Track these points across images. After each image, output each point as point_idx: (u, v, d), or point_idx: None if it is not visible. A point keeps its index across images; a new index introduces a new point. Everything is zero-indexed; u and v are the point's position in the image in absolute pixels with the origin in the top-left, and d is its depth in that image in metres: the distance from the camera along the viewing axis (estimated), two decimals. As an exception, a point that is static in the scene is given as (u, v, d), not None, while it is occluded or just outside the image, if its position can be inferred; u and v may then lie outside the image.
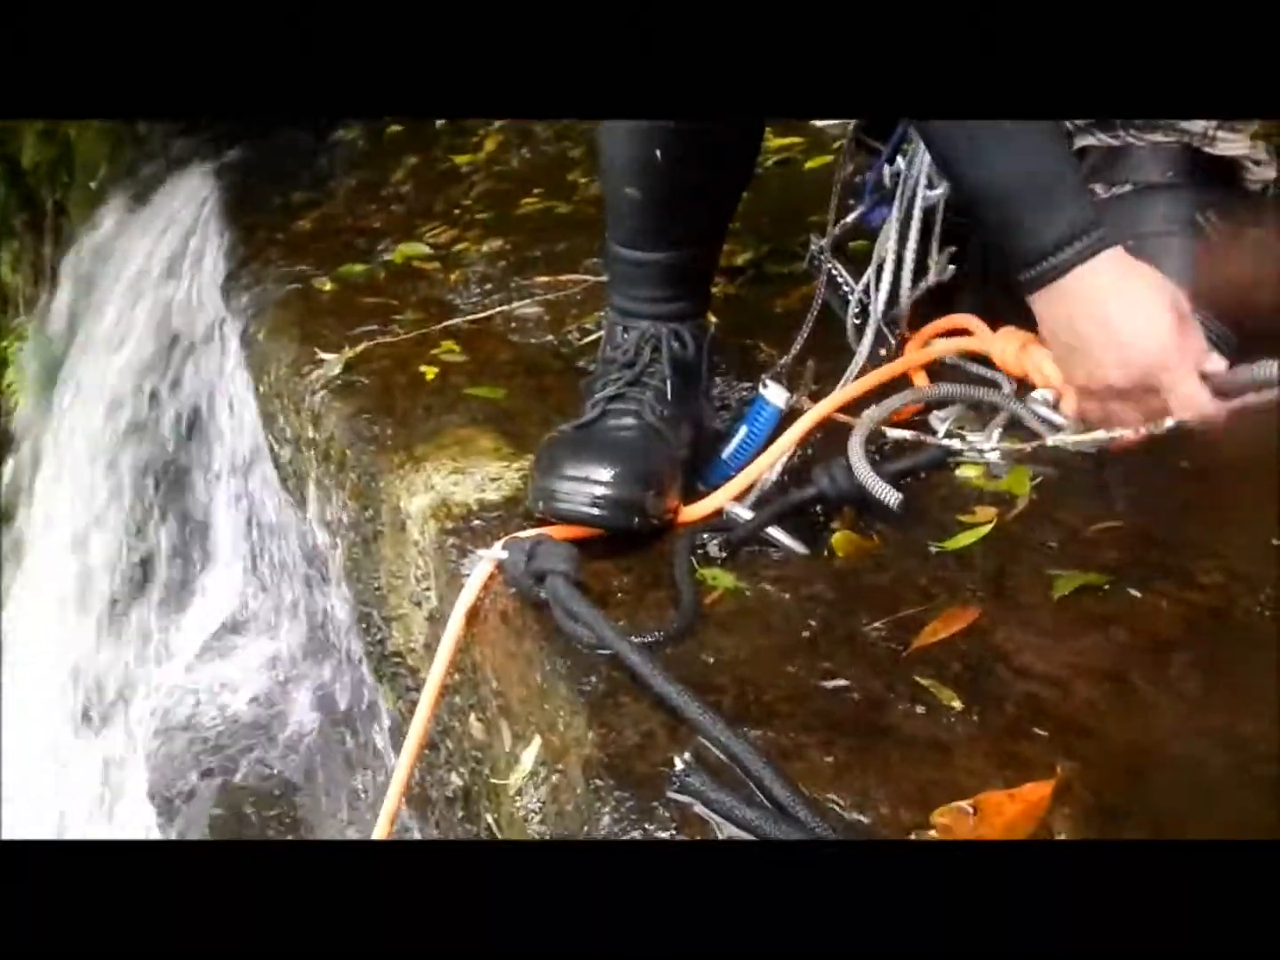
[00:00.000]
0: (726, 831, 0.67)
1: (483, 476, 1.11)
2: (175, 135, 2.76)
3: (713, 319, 1.14)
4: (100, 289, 2.48)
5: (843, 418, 1.08)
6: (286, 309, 1.66)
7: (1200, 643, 0.79)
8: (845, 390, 1.11)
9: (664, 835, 0.68)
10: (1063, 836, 0.65)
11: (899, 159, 1.18)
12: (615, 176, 1.04)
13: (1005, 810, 0.66)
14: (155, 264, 2.31)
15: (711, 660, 0.82)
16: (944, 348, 1.19)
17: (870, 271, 1.20)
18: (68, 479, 2.24)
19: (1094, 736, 0.72)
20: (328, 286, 1.71)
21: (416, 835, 1.23)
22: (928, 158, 1.15)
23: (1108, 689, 0.76)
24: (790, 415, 1.08)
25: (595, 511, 0.93)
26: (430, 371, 1.35)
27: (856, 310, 1.22)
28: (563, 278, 1.59)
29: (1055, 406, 1.01)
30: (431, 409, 1.26)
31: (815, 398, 1.11)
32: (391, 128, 2.55)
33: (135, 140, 2.87)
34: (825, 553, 0.94)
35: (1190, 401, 0.89)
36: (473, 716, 1.02)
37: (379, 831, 0.93)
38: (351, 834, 1.50)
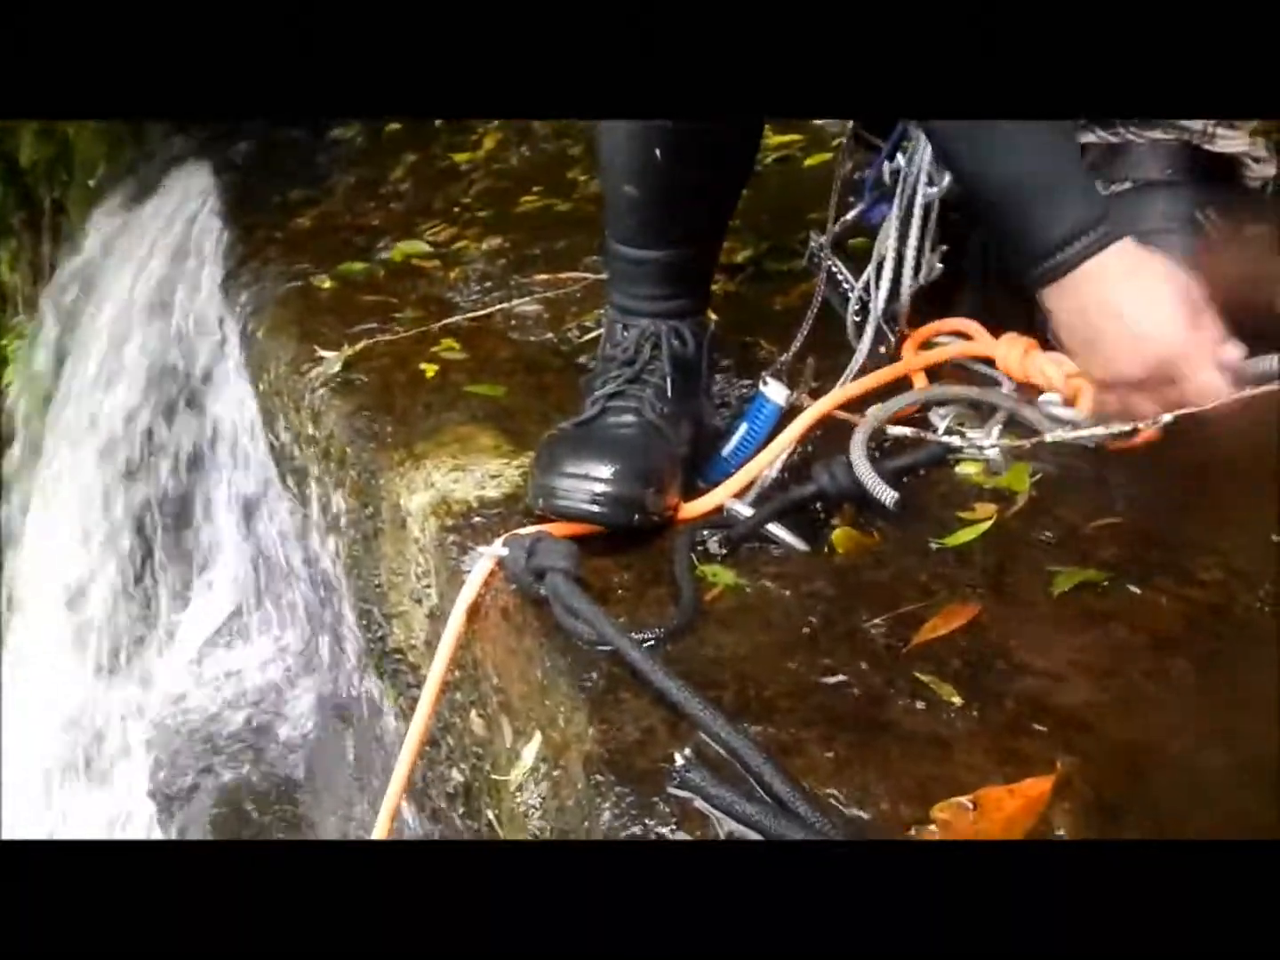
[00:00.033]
0: (727, 827, 0.67)
1: (483, 474, 1.11)
2: (173, 133, 2.76)
3: (713, 316, 1.14)
4: (97, 291, 2.48)
5: (843, 415, 1.08)
6: (286, 307, 1.67)
7: (1200, 639, 0.79)
8: (846, 388, 1.11)
9: (664, 830, 0.68)
10: (1062, 832, 0.65)
11: (899, 156, 1.18)
12: (614, 175, 1.04)
13: (1005, 805, 0.67)
14: (154, 263, 2.31)
15: (712, 656, 0.82)
16: (947, 351, 1.19)
17: (870, 269, 1.20)
18: (68, 471, 2.24)
19: (1094, 732, 0.72)
20: (327, 284, 1.71)
21: (418, 832, 1.23)
22: (927, 155, 1.15)
23: (1107, 685, 0.76)
24: (790, 413, 1.08)
25: (595, 509, 0.93)
26: (430, 369, 1.35)
27: (856, 308, 1.22)
28: (562, 275, 1.59)
29: (1067, 407, 1.02)
30: (431, 406, 1.26)
31: (815, 395, 1.11)
32: (390, 126, 2.55)
33: (134, 139, 2.87)
34: (825, 549, 0.94)
35: (1207, 391, 0.88)
36: (474, 713, 1.02)
37: (380, 828, 0.93)
38: (353, 830, 1.50)
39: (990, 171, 0.93)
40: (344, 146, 2.55)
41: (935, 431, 1.04)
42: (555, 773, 0.82)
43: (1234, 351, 0.90)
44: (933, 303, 1.22)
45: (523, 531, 0.93)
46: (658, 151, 0.99)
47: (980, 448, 1.01)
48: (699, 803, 0.69)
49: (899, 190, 1.18)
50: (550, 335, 1.42)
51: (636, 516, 0.94)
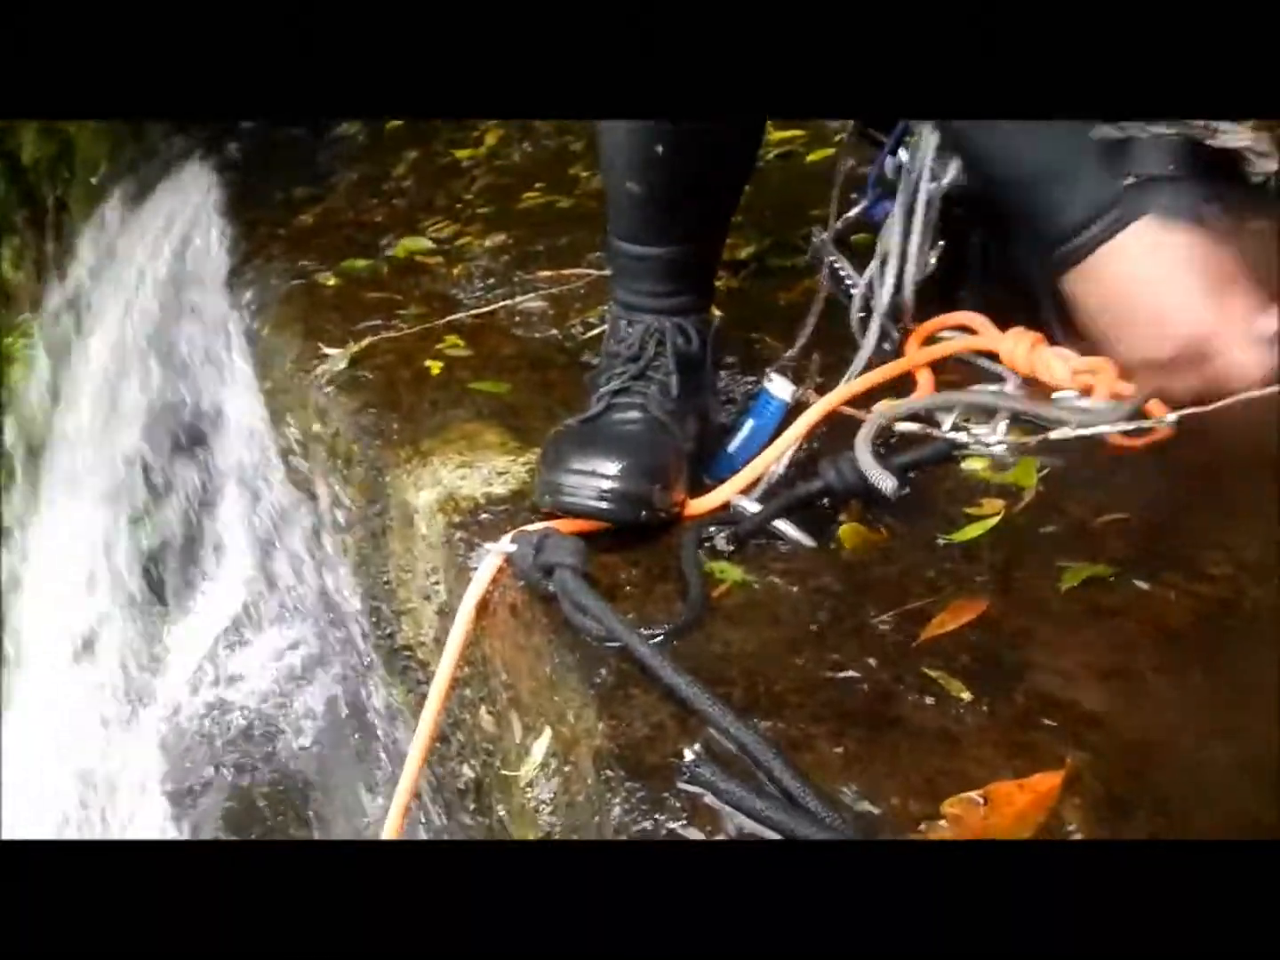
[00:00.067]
0: (736, 822, 0.68)
1: (489, 470, 1.11)
2: (175, 132, 2.76)
3: (717, 312, 1.14)
4: (102, 286, 2.48)
5: (848, 411, 1.08)
6: (290, 304, 1.67)
7: (1209, 634, 0.79)
8: (851, 384, 1.11)
9: (675, 826, 0.68)
10: (1073, 826, 0.65)
11: (901, 151, 1.18)
12: (616, 172, 1.04)
13: (1015, 800, 0.67)
14: (157, 261, 2.31)
15: (720, 652, 0.82)
16: (952, 346, 1.19)
17: (874, 265, 1.20)
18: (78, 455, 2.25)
19: (1103, 727, 0.72)
20: (331, 282, 1.71)
21: (431, 827, 1.23)
22: (931, 150, 1.15)
23: (1116, 680, 0.76)
24: (796, 408, 1.08)
25: (602, 505, 0.94)
26: (435, 366, 1.35)
27: (860, 304, 1.22)
28: (565, 272, 1.59)
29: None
30: (437, 403, 1.26)
31: (820, 391, 1.11)
32: (392, 123, 2.55)
33: (135, 137, 2.87)
34: (833, 545, 0.94)
35: (1244, 367, 0.86)
36: (483, 709, 1.02)
37: (390, 823, 0.93)
38: (364, 827, 1.51)
39: (1005, 159, 0.93)
40: (346, 143, 2.55)
41: (941, 427, 1.04)
42: (565, 768, 0.83)
43: (1271, 324, 0.87)
44: (936, 298, 1.22)
45: (530, 528, 0.93)
46: (659, 148, 0.99)
47: (986, 444, 1.01)
48: (709, 798, 0.69)
49: (902, 186, 1.18)
50: (554, 332, 1.43)
51: (643, 513, 0.94)
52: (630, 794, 0.71)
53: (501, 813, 0.99)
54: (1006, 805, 0.67)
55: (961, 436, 1.02)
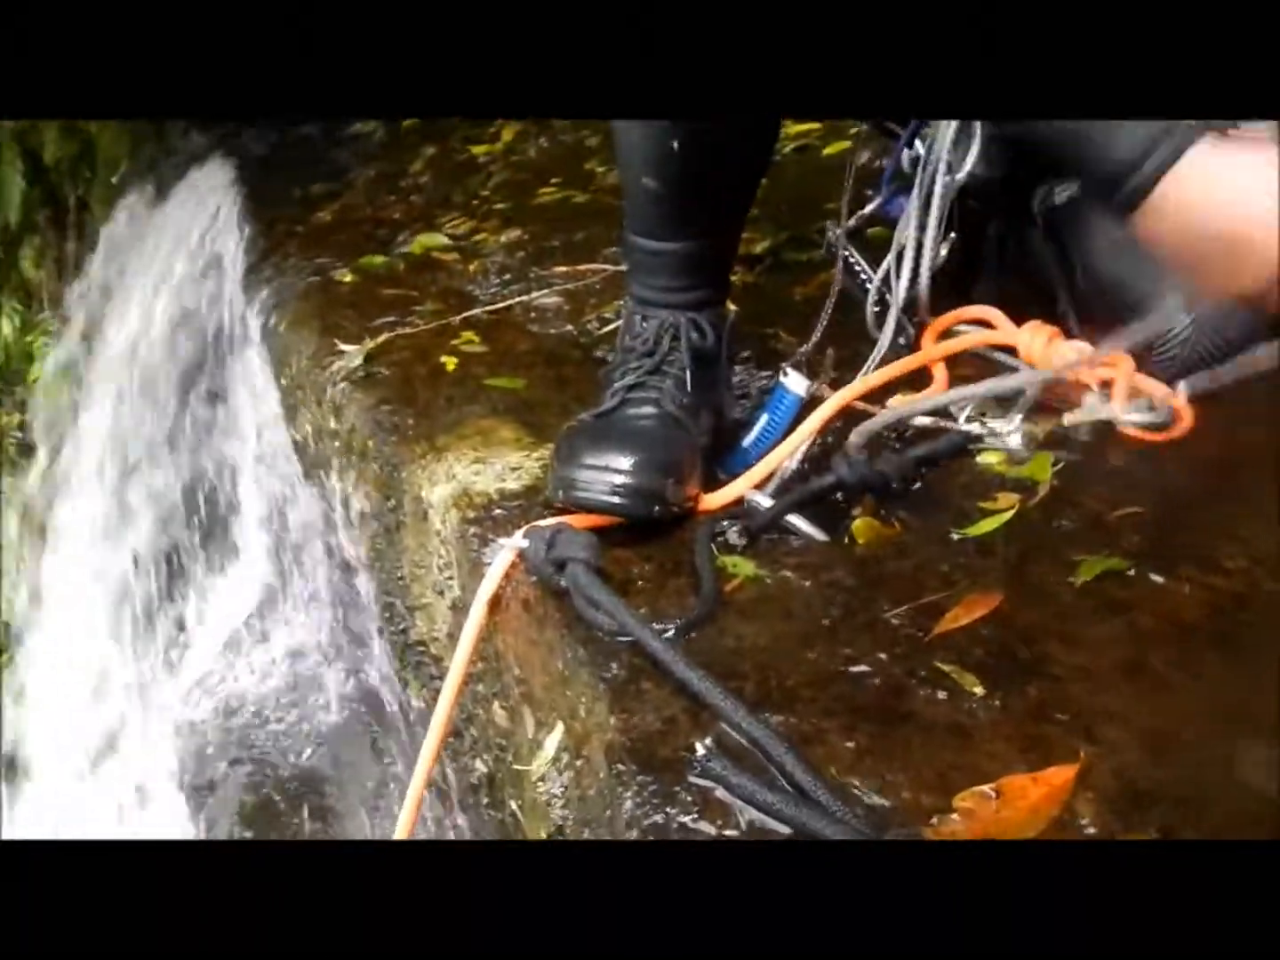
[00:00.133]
0: (748, 816, 0.68)
1: (503, 466, 1.11)
2: (194, 130, 2.77)
3: (732, 307, 1.14)
4: (122, 285, 2.50)
5: (863, 406, 1.08)
6: (307, 301, 1.67)
7: (1223, 627, 0.79)
8: (866, 379, 1.11)
9: (686, 820, 0.68)
10: (1085, 820, 0.65)
11: (917, 143, 1.17)
12: (632, 168, 1.04)
13: (1028, 794, 0.67)
14: (176, 258, 2.32)
15: (732, 647, 0.82)
16: (969, 340, 1.18)
17: (890, 259, 1.20)
18: (94, 458, 2.26)
19: (1117, 721, 0.72)
20: (348, 278, 1.71)
21: (443, 822, 1.24)
22: (947, 143, 1.15)
23: (1130, 674, 0.76)
24: (811, 403, 1.08)
25: (615, 500, 0.94)
26: (450, 362, 1.35)
27: (875, 298, 1.21)
28: (581, 267, 1.59)
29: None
30: (452, 399, 1.26)
31: (835, 385, 1.11)
32: (409, 120, 2.55)
33: (156, 135, 2.89)
34: (846, 540, 0.94)
35: None
36: (496, 704, 1.02)
37: (403, 818, 0.94)
38: (378, 821, 1.52)
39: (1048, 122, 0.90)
40: (363, 141, 2.55)
41: (955, 421, 1.04)
42: (577, 762, 0.83)
43: None
44: (952, 292, 1.21)
45: (543, 523, 0.93)
46: (675, 144, 0.99)
47: (999, 435, 1.01)
48: (720, 792, 0.69)
49: (919, 179, 1.17)
50: (570, 327, 1.43)
51: (657, 508, 0.94)
52: (642, 788, 0.71)
53: (514, 807, 0.99)
54: (1019, 799, 0.66)
55: (975, 429, 1.02)
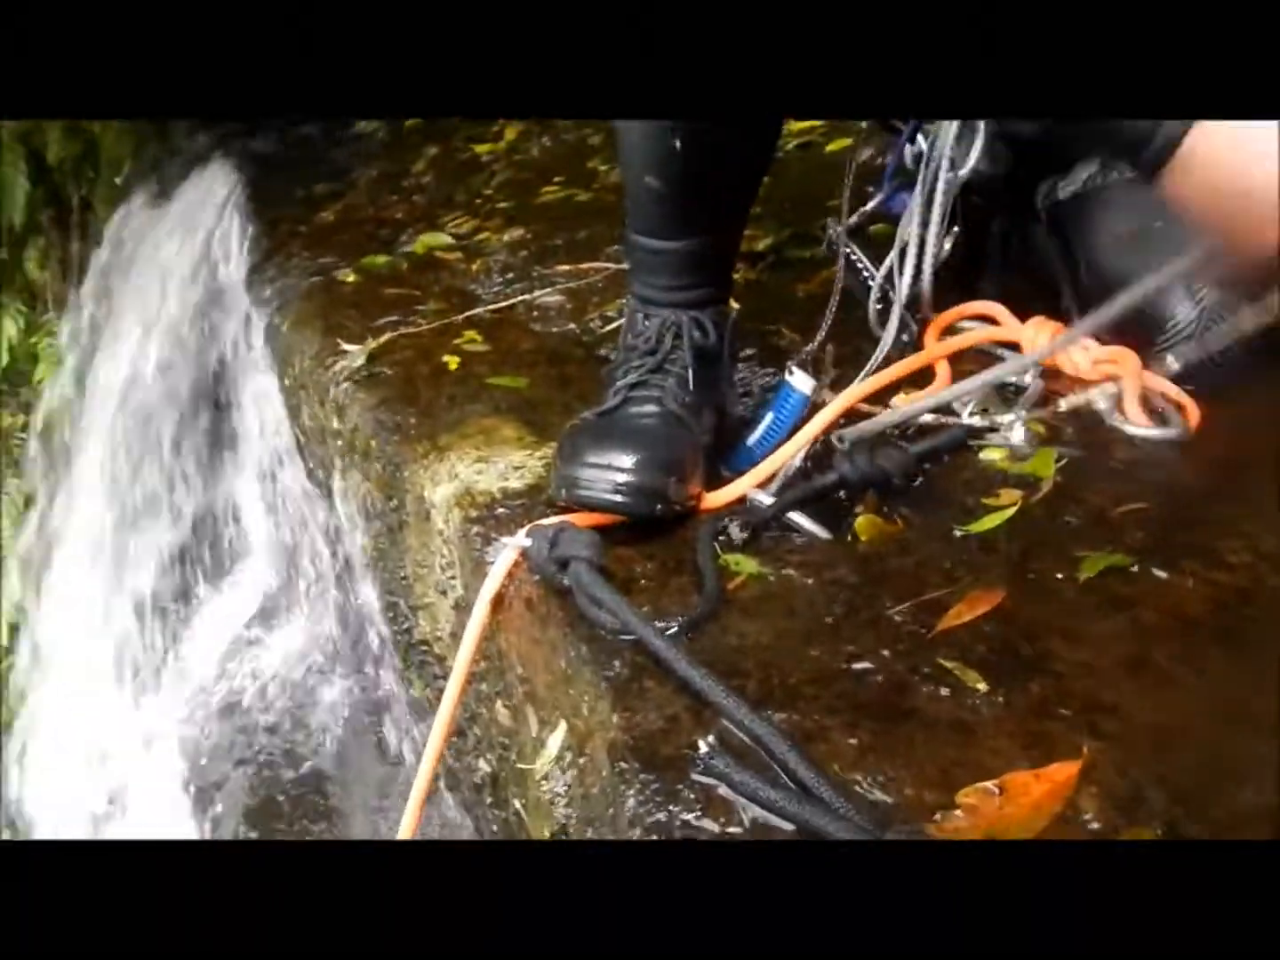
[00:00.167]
0: (751, 813, 0.68)
1: (506, 465, 1.11)
2: (197, 130, 2.77)
3: (734, 305, 1.14)
4: (126, 286, 2.50)
5: (866, 408, 1.08)
6: (310, 301, 1.68)
7: (1227, 622, 0.79)
8: (869, 381, 1.11)
9: (689, 817, 0.68)
10: (1089, 816, 0.65)
11: (920, 139, 1.17)
12: (634, 167, 1.04)
13: (1031, 790, 0.66)
14: (181, 259, 2.32)
15: (735, 645, 0.82)
16: (973, 337, 1.18)
17: (893, 256, 1.20)
18: (96, 458, 2.26)
19: (1120, 717, 0.72)
20: (350, 278, 1.72)
21: (448, 820, 1.24)
22: (950, 139, 1.15)
23: (1134, 669, 0.76)
24: (816, 402, 1.08)
25: (618, 498, 0.94)
26: (453, 361, 1.35)
27: (878, 296, 1.21)
28: (584, 266, 1.59)
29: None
30: (455, 399, 1.26)
31: (836, 383, 1.11)
32: (411, 119, 2.55)
33: (159, 135, 2.89)
34: (849, 537, 0.94)
35: None
36: (499, 703, 1.02)
37: (408, 817, 0.94)
38: (382, 821, 1.52)
39: None
40: (366, 140, 2.55)
41: (958, 416, 1.04)
42: (580, 761, 0.83)
43: None
44: (955, 288, 1.21)
45: (546, 522, 0.93)
46: (677, 143, 0.99)
47: (999, 428, 1.01)
48: (723, 789, 0.69)
49: (921, 176, 1.17)
50: (572, 326, 1.43)
51: (659, 506, 0.94)
52: (645, 786, 0.71)
53: (518, 805, 0.99)
54: (1022, 795, 0.66)
55: (976, 422, 1.02)
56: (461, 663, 0.94)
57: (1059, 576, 0.85)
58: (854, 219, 1.26)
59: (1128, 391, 1.05)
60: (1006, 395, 1.09)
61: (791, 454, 1.02)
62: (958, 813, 0.66)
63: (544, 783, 0.88)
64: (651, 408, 1.02)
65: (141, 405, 2.17)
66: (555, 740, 0.87)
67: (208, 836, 1.68)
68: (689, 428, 1.01)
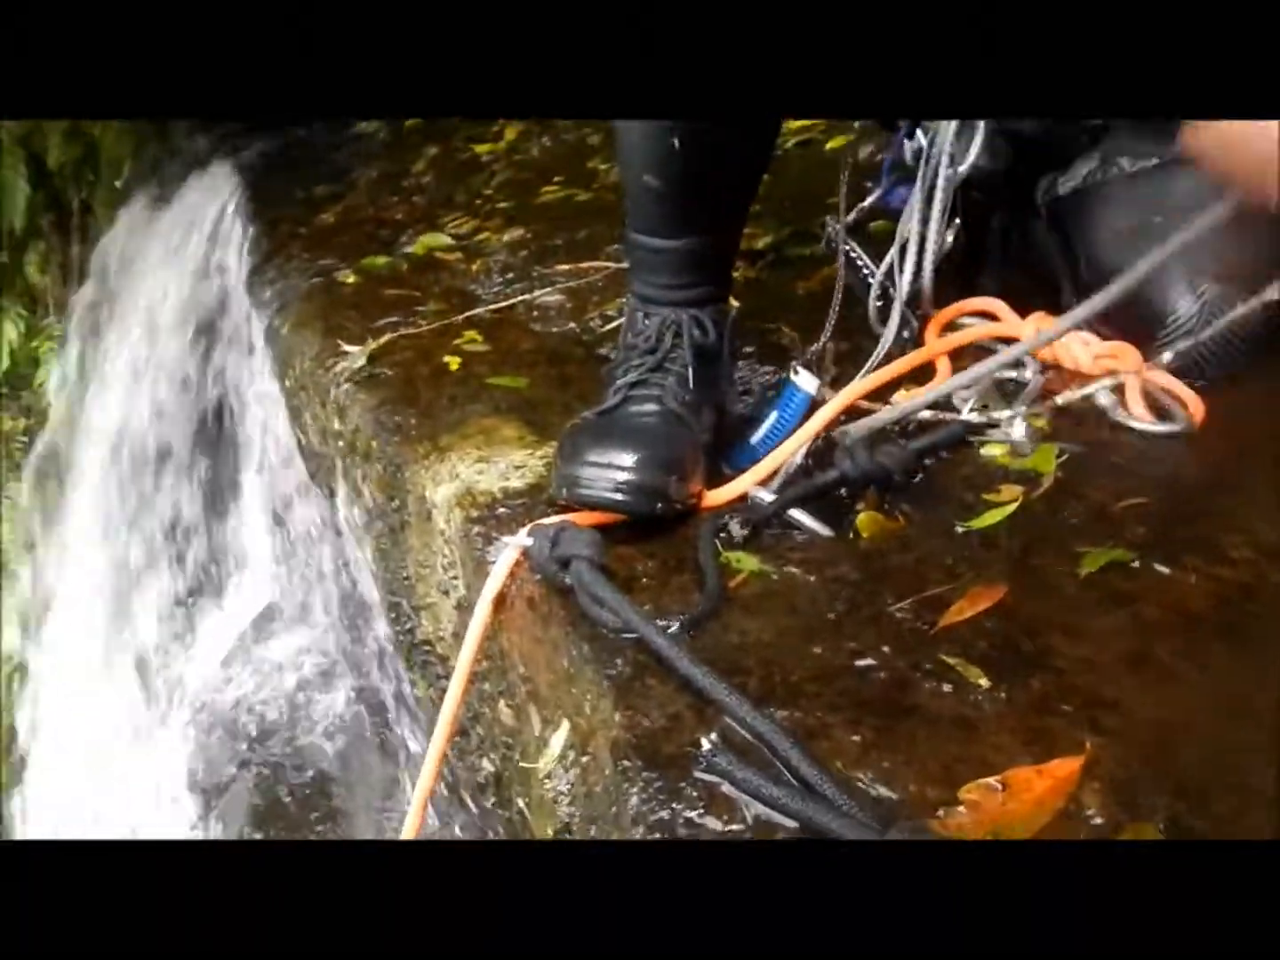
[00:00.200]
0: (754, 810, 0.68)
1: (507, 465, 1.11)
2: (197, 132, 2.78)
3: (734, 303, 1.14)
4: (127, 288, 2.51)
5: (866, 405, 1.08)
6: (310, 302, 1.68)
7: (1229, 617, 0.79)
8: (870, 378, 1.11)
9: (692, 815, 0.68)
10: (1091, 811, 0.65)
11: (919, 135, 1.17)
12: (633, 166, 1.04)
13: (1034, 786, 0.66)
14: (181, 261, 2.33)
15: (737, 642, 0.82)
16: (973, 333, 1.18)
17: (893, 252, 1.20)
18: (101, 467, 2.27)
19: (1122, 712, 0.72)
20: (350, 279, 1.72)
21: (450, 822, 1.24)
22: (950, 134, 1.15)
23: (1136, 665, 0.76)
24: (820, 401, 1.08)
25: (618, 497, 0.94)
26: (453, 362, 1.35)
27: (878, 293, 1.21)
28: (584, 265, 1.59)
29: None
30: (455, 399, 1.27)
31: (836, 380, 1.11)
32: (411, 120, 2.56)
33: (159, 137, 2.89)
34: (850, 534, 0.94)
35: None
36: (502, 702, 1.02)
37: (411, 817, 0.94)
38: (386, 821, 1.52)
39: None
40: (366, 141, 2.56)
41: (958, 412, 1.04)
42: (583, 759, 0.83)
43: None
44: (955, 284, 1.21)
45: (547, 521, 0.93)
46: (676, 142, 0.99)
47: (1002, 426, 1.01)
48: (726, 786, 0.69)
49: (921, 172, 1.17)
50: (572, 325, 1.43)
51: (660, 504, 0.94)
52: (648, 784, 0.71)
53: (521, 804, 0.99)
54: (1025, 791, 0.66)
55: (974, 418, 1.02)
56: (464, 662, 0.94)
57: (1060, 572, 0.85)
58: (853, 216, 1.26)
59: (1130, 386, 1.05)
60: (1007, 391, 1.09)
61: (792, 451, 1.02)
62: (960, 809, 0.66)
63: (547, 781, 0.88)
64: (652, 406, 1.02)
65: (141, 404, 2.17)
66: (558, 739, 0.87)
67: (213, 835, 1.68)
68: (689, 426, 1.01)
